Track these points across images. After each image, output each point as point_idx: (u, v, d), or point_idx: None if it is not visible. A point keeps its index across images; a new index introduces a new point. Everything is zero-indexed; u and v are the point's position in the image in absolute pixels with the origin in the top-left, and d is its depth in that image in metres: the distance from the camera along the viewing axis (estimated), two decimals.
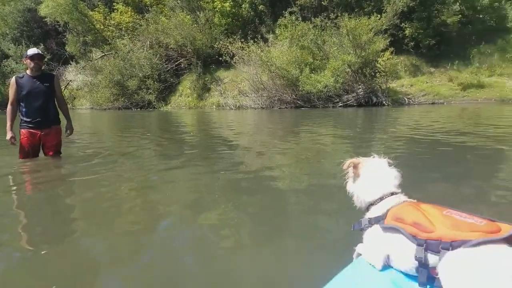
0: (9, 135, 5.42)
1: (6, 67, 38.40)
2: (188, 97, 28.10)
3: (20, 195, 4.12)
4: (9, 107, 5.50)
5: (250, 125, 14.15)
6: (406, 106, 19.89)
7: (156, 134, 11.21)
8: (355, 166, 1.87)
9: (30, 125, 5.44)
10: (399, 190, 1.78)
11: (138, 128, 13.54)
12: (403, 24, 22.48)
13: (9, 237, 2.91)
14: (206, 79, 27.75)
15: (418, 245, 1.43)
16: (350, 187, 1.92)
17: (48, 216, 3.41)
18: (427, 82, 21.40)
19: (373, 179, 1.81)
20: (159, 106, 28.09)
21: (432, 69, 22.30)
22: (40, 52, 5.53)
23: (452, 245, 1.34)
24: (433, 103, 20.06)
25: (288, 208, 3.52)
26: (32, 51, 5.45)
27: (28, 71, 5.46)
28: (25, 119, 5.46)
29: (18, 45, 38.34)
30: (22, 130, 5.46)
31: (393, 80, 21.10)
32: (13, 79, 5.48)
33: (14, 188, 4.41)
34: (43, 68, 5.75)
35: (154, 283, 2.14)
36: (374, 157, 1.90)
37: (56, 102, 5.75)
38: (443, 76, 21.50)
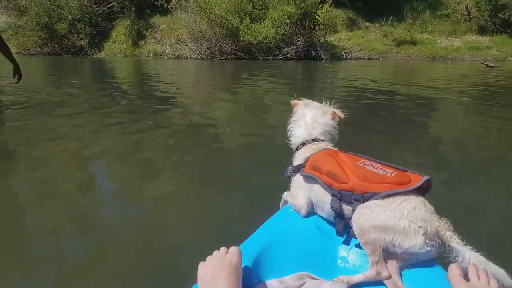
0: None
1: None
2: (123, 43, 24.43)
3: None
4: None
5: (189, 76, 12.78)
6: (343, 60, 18.52)
7: (88, 83, 9.95)
8: (294, 106, 1.81)
9: None
10: (323, 137, 1.68)
11: (69, 76, 11.68)
12: None
13: None
14: (141, 25, 24.13)
15: (333, 195, 1.38)
16: (288, 128, 1.81)
17: None
18: (363, 37, 20.00)
19: (299, 123, 1.73)
20: (92, 53, 24.33)
21: (368, 24, 20.87)
22: None
23: (363, 197, 1.29)
24: (369, 59, 18.87)
25: (222, 159, 3.29)
26: None
27: None
28: None
29: None
30: None
31: (331, 34, 19.34)
32: None
33: None
34: None
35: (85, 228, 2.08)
36: (313, 102, 1.81)
37: None
38: (378, 31, 20.20)
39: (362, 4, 20.61)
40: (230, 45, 19.57)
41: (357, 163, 1.40)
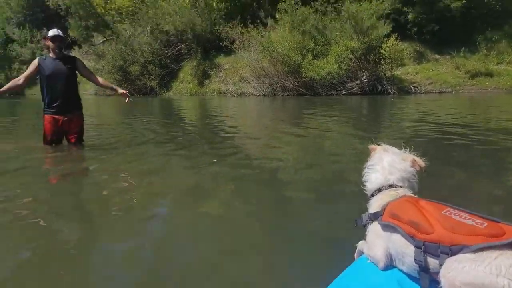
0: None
1: (11, 52, 35.76)
2: (189, 83, 25.64)
3: (38, 181, 3.63)
4: (17, 79, 5.04)
5: (252, 112, 12.80)
6: (412, 94, 17.64)
7: (159, 120, 10.26)
8: (372, 151, 1.72)
9: (52, 110, 4.96)
10: (401, 184, 1.54)
11: (142, 114, 12.11)
12: (405, 8, 19.91)
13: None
14: (206, 65, 25.26)
15: (416, 246, 1.24)
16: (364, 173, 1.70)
17: (62, 202, 3.00)
18: (432, 70, 19.01)
19: (376, 167, 1.62)
20: (161, 93, 25.78)
21: (437, 56, 19.87)
22: (61, 34, 5.05)
23: (452, 250, 1.16)
24: (440, 92, 17.77)
25: (288, 199, 3.05)
26: (53, 32, 4.95)
27: (50, 54, 5.00)
28: (47, 103, 4.98)
29: (22, 29, 35.62)
30: (45, 116, 5.01)
31: (397, 68, 18.66)
32: (36, 59, 5.06)
33: (34, 173, 3.93)
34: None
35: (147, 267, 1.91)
36: (390, 146, 1.69)
37: (91, 81, 5.46)
38: (449, 63, 19.11)
39: (430, 36, 19.79)
40: (292, 82, 19.64)
41: (442, 212, 1.28)
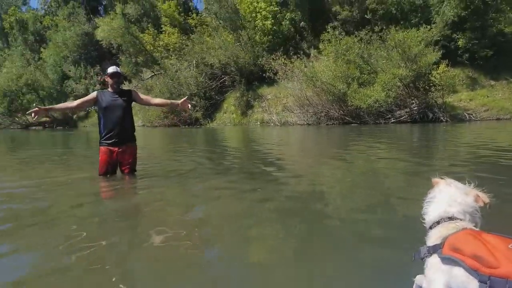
0: (36, 108, 4.94)
1: (67, 87, 38.42)
2: (233, 113, 26.13)
3: (95, 211, 3.70)
4: (70, 102, 5.51)
5: (296, 142, 12.54)
6: (466, 122, 16.76)
7: (203, 151, 10.27)
8: (434, 185, 1.65)
9: (108, 142, 5.15)
10: (461, 217, 1.46)
11: (190, 145, 12.42)
12: (455, 35, 19.39)
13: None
14: (249, 96, 25.74)
15: (481, 281, 1.18)
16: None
17: (116, 230, 3.00)
18: (488, 96, 18.09)
19: (435, 200, 1.57)
20: (205, 123, 26.38)
21: (492, 82, 18.94)
22: (119, 71, 5.36)
23: None
24: (498, 119, 16.79)
25: (337, 233, 2.77)
26: (112, 69, 5.27)
27: (109, 89, 5.24)
28: (103, 135, 5.18)
29: (77, 67, 38.34)
30: (101, 147, 5.20)
31: (449, 95, 17.94)
32: (95, 92, 5.35)
33: (91, 202, 4.03)
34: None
35: None
36: (450, 180, 1.61)
37: (150, 105, 5.78)
38: (505, 89, 18.13)
39: (483, 62, 19.02)
40: (337, 110, 19.40)
41: (509, 246, 1.21)
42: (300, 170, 6.14)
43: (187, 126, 26.79)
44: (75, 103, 5.44)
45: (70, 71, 38.44)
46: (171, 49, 31.43)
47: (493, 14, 18.89)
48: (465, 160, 6.20)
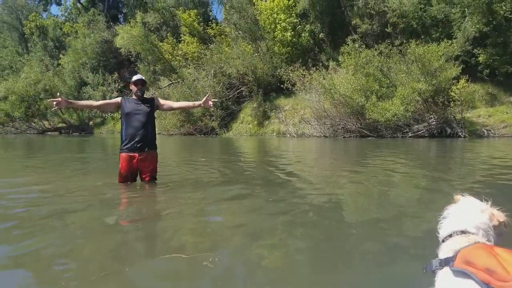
0: (59, 99, 5.10)
1: (84, 94, 39.77)
2: (249, 124, 26.87)
3: (111, 220, 3.80)
4: (93, 101, 5.82)
5: (312, 154, 12.94)
6: (485, 138, 17.13)
7: (220, 160, 10.72)
8: (455, 201, 1.73)
9: (129, 148, 5.24)
10: (474, 231, 1.51)
11: (207, 154, 12.94)
12: (475, 50, 19.86)
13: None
14: (266, 106, 26.46)
15: None
16: None
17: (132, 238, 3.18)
18: (507, 113, 18.44)
19: (450, 215, 1.66)
20: (221, 133, 27.15)
21: None
22: (143, 78, 5.52)
23: None
24: None
25: (351, 243, 3.04)
26: (136, 77, 5.46)
27: (133, 96, 5.46)
28: (124, 141, 5.28)
29: (96, 73, 39.73)
30: (122, 154, 5.29)
31: (468, 110, 18.37)
32: (119, 98, 5.58)
33: (108, 211, 4.12)
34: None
35: None
36: (469, 197, 1.69)
37: (173, 109, 6.06)
38: None
39: (504, 78, 19.42)
40: (355, 123, 19.96)
41: None
42: (316, 181, 6.40)
43: (203, 135, 27.54)
44: (98, 102, 5.66)
45: (88, 77, 39.82)
46: (189, 58, 32.45)
47: None
48: (483, 176, 6.46)
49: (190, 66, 30.66)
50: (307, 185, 5.89)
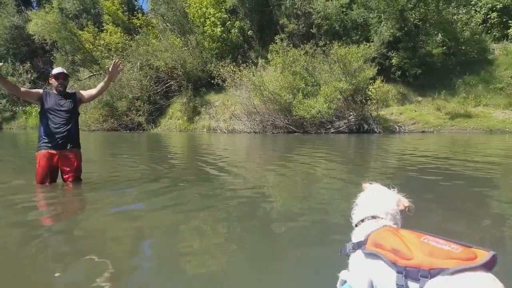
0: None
1: None
2: (179, 119, 26.89)
3: (29, 227, 3.60)
4: (19, 87, 5.31)
5: (241, 149, 13.59)
6: (397, 134, 19.36)
7: (147, 156, 10.75)
8: (364, 189, 1.92)
9: (48, 145, 4.97)
10: (383, 216, 1.72)
11: (128, 150, 12.90)
12: (390, 53, 22.18)
13: None
14: (196, 102, 26.67)
15: (398, 272, 1.39)
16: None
17: (58, 243, 3.14)
18: (415, 111, 20.98)
19: (361, 201, 1.83)
20: (148, 128, 26.76)
21: (420, 98, 21.96)
22: (65, 71, 5.30)
23: (431, 273, 1.31)
24: (423, 132, 19.61)
25: (273, 234, 3.32)
26: (57, 70, 5.23)
27: (53, 90, 5.18)
28: (43, 138, 5.01)
29: (4, 62, 36.45)
30: (40, 151, 4.99)
31: (382, 108, 20.60)
32: (41, 90, 5.29)
33: (25, 218, 3.85)
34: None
35: None
36: (376, 184, 1.91)
37: (95, 97, 5.75)
38: (430, 105, 21.14)
39: (413, 79, 22.01)
40: (283, 120, 21.18)
41: (421, 239, 1.44)
42: (245, 175, 6.71)
43: (128, 131, 26.82)
44: (23, 89, 5.31)
45: None
46: (112, 49, 31.30)
47: (423, 37, 21.87)
48: (393, 167, 7.59)
49: (114, 57, 29.56)
50: (235, 179, 6.20)
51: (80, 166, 5.26)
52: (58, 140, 4.97)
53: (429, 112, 20.76)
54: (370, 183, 1.97)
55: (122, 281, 2.43)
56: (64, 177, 5.11)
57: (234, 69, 23.54)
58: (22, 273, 2.51)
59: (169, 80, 27.92)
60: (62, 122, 5.04)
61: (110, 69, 5.24)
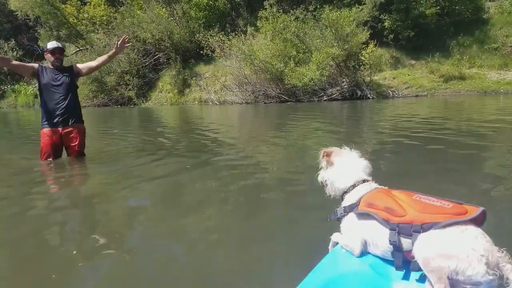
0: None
1: None
2: (169, 92, 26.17)
3: (34, 202, 3.67)
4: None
5: (233, 120, 13.45)
6: (390, 99, 18.93)
7: (138, 130, 10.84)
8: (328, 155, 1.87)
9: (50, 122, 4.96)
10: (370, 178, 1.79)
11: (121, 125, 12.99)
12: (382, 16, 21.40)
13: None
14: (186, 74, 25.86)
15: (391, 229, 1.42)
16: (322, 176, 1.90)
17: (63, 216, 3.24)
18: (409, 75, 20.46)
19: (346, 167, 1.80)
20: (139, 103, 26.09)
21: (413, 62, 21.38)
22: (60, 46, 5.18)
23: (423, 228, 1.35)
24: (416, 96, 19.18)
25: (265, 203, 3.34)
26: (52, 44, 5.07)
27: (50, 65, 5.05)
28: (46, 115, 4.98)
29: None
30: (43, 129, 4.99)
31: (375, 73, 20.03)
32: (36, 64, 5.16)
33: (30, 194, 3.89)
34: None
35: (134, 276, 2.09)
36: (344, 148, 1.89)
37: (94, 70, 5.76)
38: (424, 68, 20.61)
39: (406, 42, 21.34)
40: (275, 89, 20.63)
41: (413, 197, 1.50)
42: (238, 146, 6.71)
43: (119, 106, 26.17)
44: (15, 62, 5.27)
45: None
46: (97, 23, 30.08)
47: None
48: (386, 133, 7.44)
49: (99, 31, 28.52)
50: (228, 150, 6.17)
51: (83, 141, 5.26)
52: (59, 116, 4.95)
53: (423, 75, 20.25)
54: (329, 148, 1.94)
55: (121, 242, 2.61)
56: (69, 152, 5.16)
57: (223, 39, 22.68)
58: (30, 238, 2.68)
59: (157, 53, 26.98)
60: (60, 97, 4.97)
61: (118, 44, 5.20)
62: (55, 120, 4.96)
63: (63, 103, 4.99)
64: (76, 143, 5.13)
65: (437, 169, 4.31)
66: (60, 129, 5.00)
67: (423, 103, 15.38)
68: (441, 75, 19.62)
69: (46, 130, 4.98)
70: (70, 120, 5.06)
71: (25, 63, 5.27)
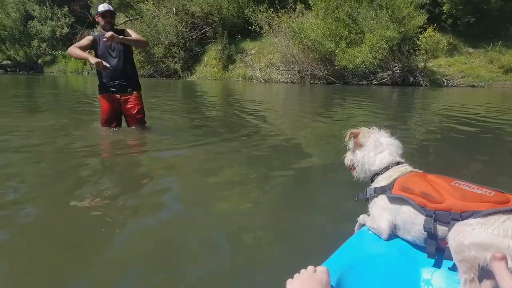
0: (93, 59, 4.38)
1: (31, 28, 35.75)
2: (213, 67, 25.52)
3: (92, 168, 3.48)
4: (77, 49, 4.51)
5: (277, 99, 12.74)
6: (444, 87, 17.47)
7: (179, 103, 10.48)
8: (356, 136, 1.71)
9: (108, 88, 4.69)
10: (403, 160, 1.64)
11: (164, 96, 12.35)
12: None
13: None
14: (231, 50, 25.04)
15: (427, 215, 1.32)
16: (350, 158, 1.76)
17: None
18: (465, 63, 18.78)
19: (378, 148, 1.65)
20: (184, 76, 25.64)
21: (471, 50, 19.55)
22: (111, 9, 4.74)
23: (462, 216, 1.24)
24: (473, 86, 17.61)
25: (304, 181, 3.22)
26: (103, 7, 4.65)
27: (102, 31, 4.71)
28: (103, 81, 4.70)
29: (43, 6, 35.54)
30: (102, 95, 4.77)
31: (430, 60, 18.49)
32: (90, 35, 4.74)
33: (89, 159, 3.81)
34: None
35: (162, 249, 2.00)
36: (373, 128, 1.73)
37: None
38: (482, 57, 18.83)
39: (465, 29, 19.56)
40: (322, 70, 19.57)
41: (452, 183, 1.36)
42: (281, 126, 6.30)
43: (164, 77, 25.88)
44: (74, 48, 4.60)
45: (34, 10, 35.56)
46: None
47: None
48: (438, 121, 6.90)
49: (149, 2, 28.05)
50: (272, 130, 5.72)
51: (142, 108, 4.98)
52: (116, 85, 4.72)
53: (481, 65, 18.55)
54: (358, 128, 1.73)
55: (155, 211, 2.52)
56: (128, 120, 4.93)
57: (272, 15, 21.60)
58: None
59: (204, 26, 26.26)
60: (117, 64, 4.67)
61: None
62: (113, 87, 4.73)
63: (119, 69, 4.70)
64: (137, 109, 4.88)
65: (485, 160, 4.06)
66: (118, 96, 4.77)
67: (479, 94, 13.99)
68: (501, 66, 17.87)
69: (106, 94, 4.77)
70: (129, 88, 4.81)
71: (82, 43, 4.63)
